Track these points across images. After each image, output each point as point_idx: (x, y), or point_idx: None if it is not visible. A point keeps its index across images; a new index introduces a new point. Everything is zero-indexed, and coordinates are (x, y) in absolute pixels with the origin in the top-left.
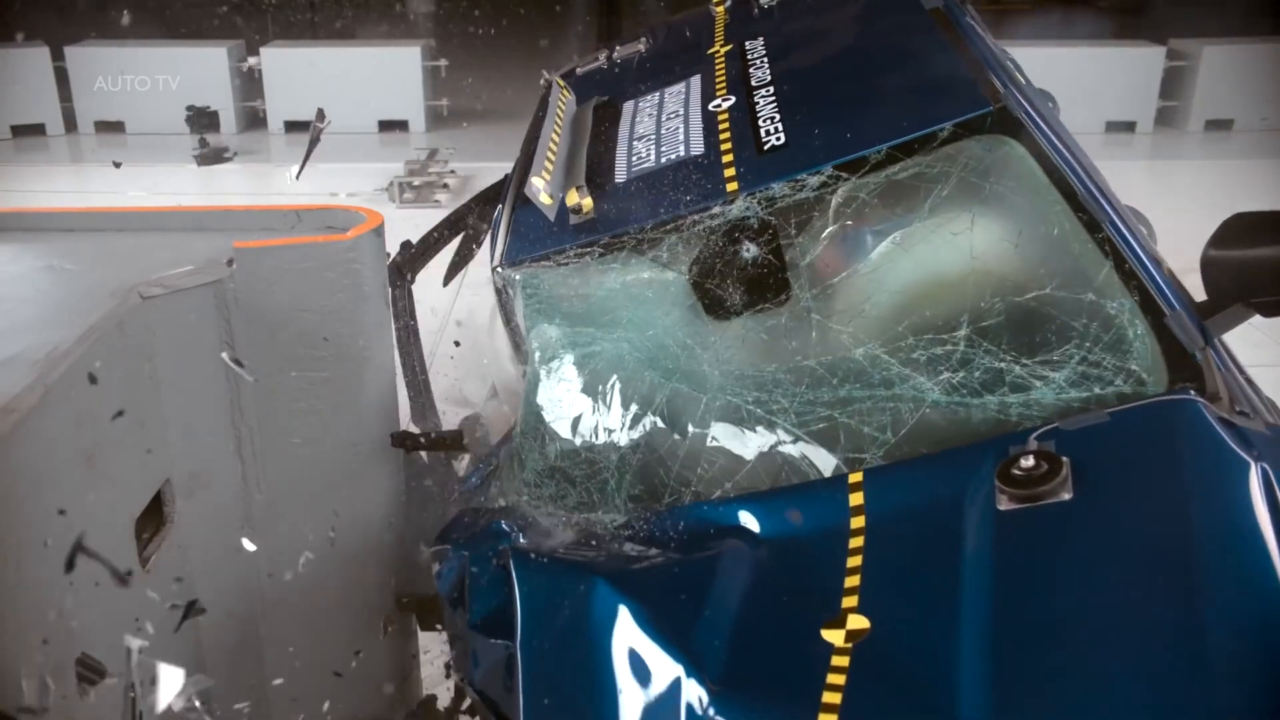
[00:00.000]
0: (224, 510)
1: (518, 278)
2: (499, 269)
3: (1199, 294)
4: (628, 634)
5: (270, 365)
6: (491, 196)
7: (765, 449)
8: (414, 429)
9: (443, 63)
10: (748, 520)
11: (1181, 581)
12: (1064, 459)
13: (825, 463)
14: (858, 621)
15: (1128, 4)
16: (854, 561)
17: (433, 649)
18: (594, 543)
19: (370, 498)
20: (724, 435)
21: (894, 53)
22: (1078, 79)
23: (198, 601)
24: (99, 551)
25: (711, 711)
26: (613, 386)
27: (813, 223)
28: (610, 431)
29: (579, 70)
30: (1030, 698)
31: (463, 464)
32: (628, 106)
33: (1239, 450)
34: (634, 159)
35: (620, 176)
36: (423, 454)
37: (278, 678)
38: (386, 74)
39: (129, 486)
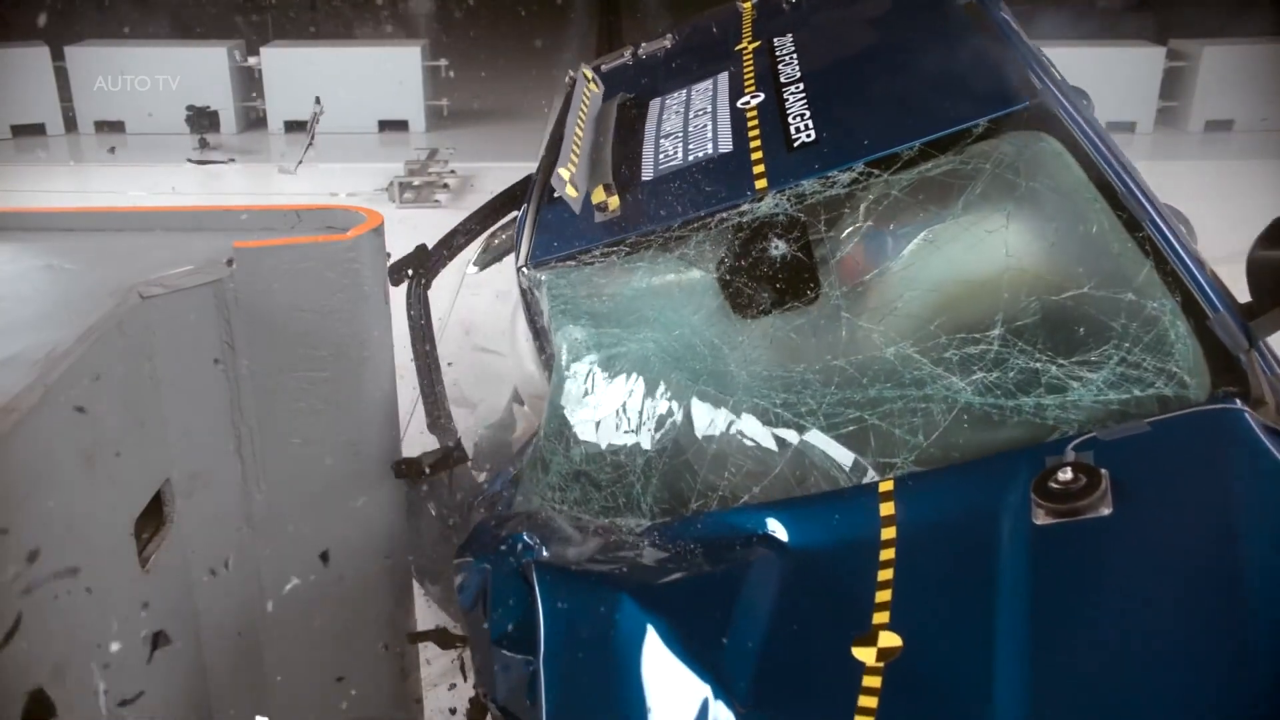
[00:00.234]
0: (224, 510)
1: (543, 278)
2: (524, 269)
3: (1242, 295)
4: (654, 652)
5: (270, 365)
6: (513, 197)
7: (793, 453)
8: (431, 436)
9: (443, 63)
10: (775, 529)
11: (1228, 602)
12: (1103, 471)
13: (854, 467)
14: (889, 639)
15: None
16: (885, 575)
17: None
18: (618, 553)
19: (370, 497)
20: (751, 438)
21: (926, 48)
22: (1077, 79)
23: (164, 633)
24: (99, 551)
25: None
26: (639, 389)
27: (843, 220)
28: (636, 435)
29: (603, 67)
30: None
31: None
32: (654, 104)
33: None
34: (661, 156)
35: (647, 174)
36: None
37: (278, 676)
38: (386, 74)
39: (129, 486)
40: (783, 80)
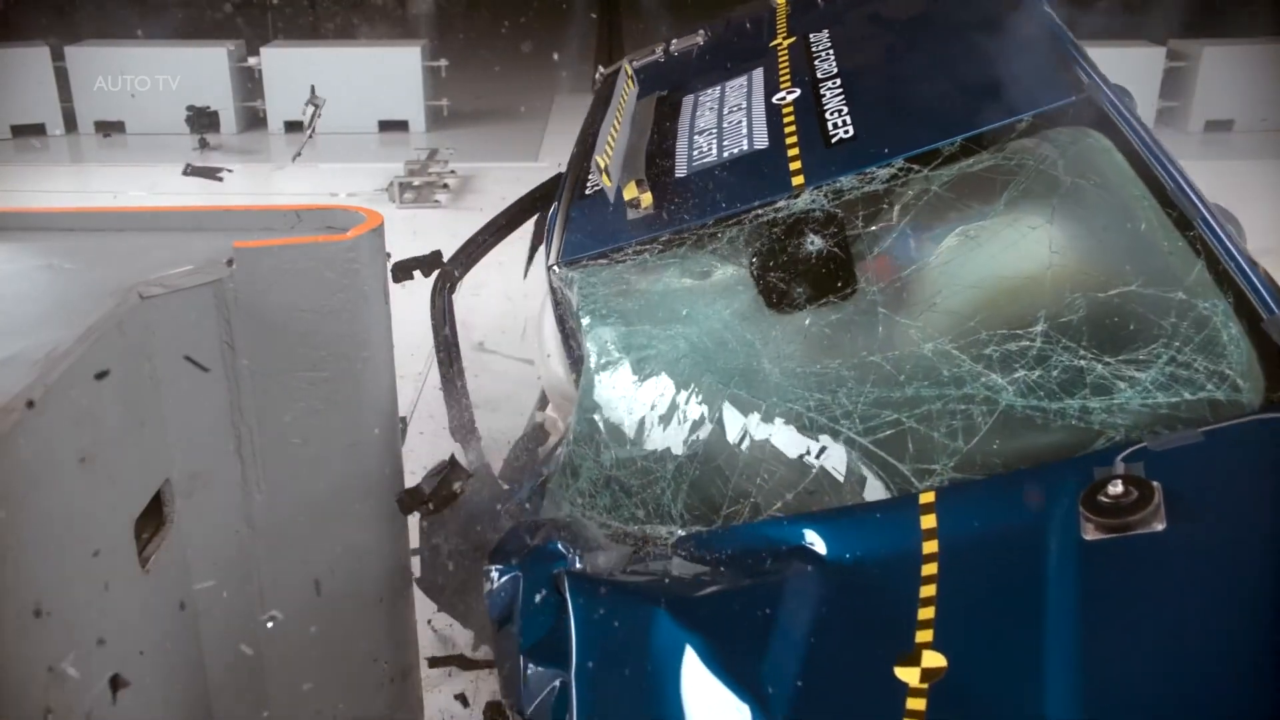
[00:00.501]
0: (224, 510)
1: (575, 276)
2: (555, 267)
3: None
4: (690, 670)
5: (270, 365)
6: (541, 197)
7: (828, 459)
8: (456, 442)
9: (443, 63)
10: (811, 541)
11: None
12: (1155, 484)
13: (892, 474)
14: (933, 659)
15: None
16: (927, 591)
17: (435, 646)
18: (650, 564)
19: (370, 498)
20: (785, 444)
21: (968, 42)
22: None
23: (120, 675)
24: (99, 552)
25: None
26: (670, 392)
27: (881, 215)
28: (667, 440)
29: (635, 64)
30: None
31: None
32: (687, 100)
33: None
34: (694, 153)
35: (680, 171)
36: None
37: (279, 674)
38: (386, 74)
39: (129, 486)
40: (819, 76)
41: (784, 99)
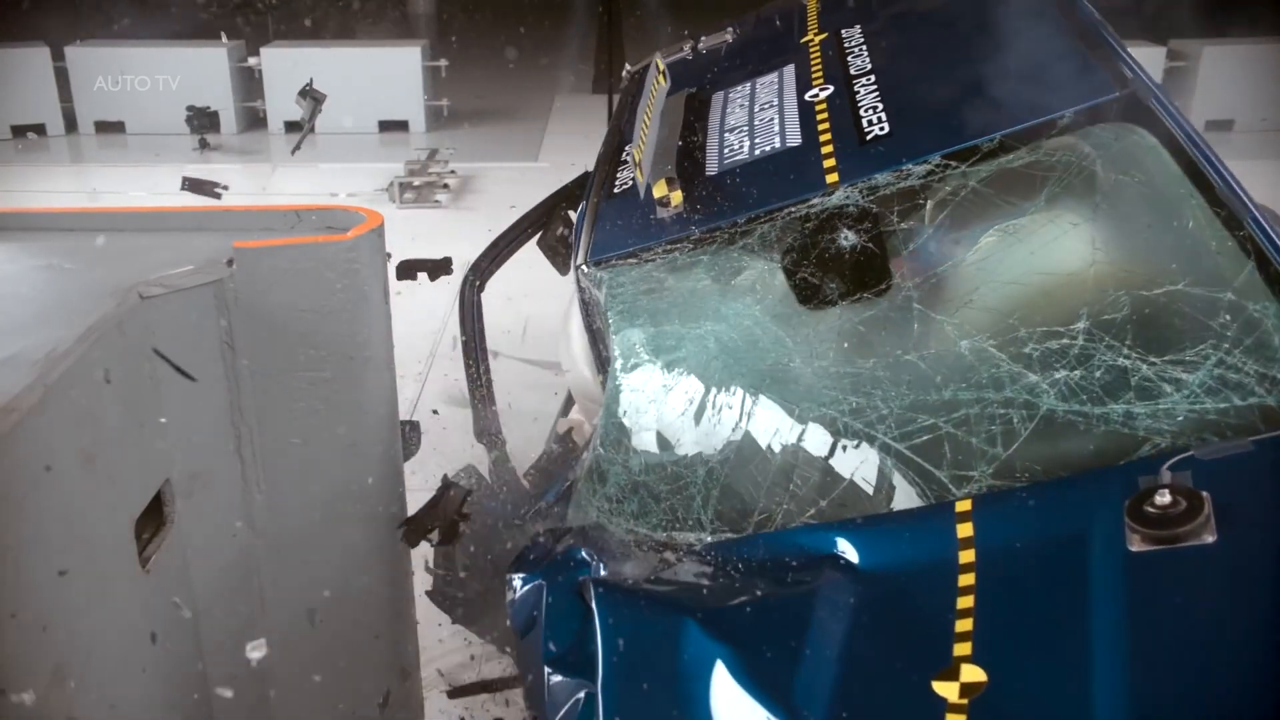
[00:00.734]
0: (224, 510)
1: (603, 276)
2: (583, 267)
3: None
4: (721, 683)
5: (270, 365)
6: (567, 196)
7: (863, 465)
8: (482, 445)
9: (443, 63)
10: (845, 550)
11: None
12: (1204, 495)
13: (929, 481)
14: (973, 673)
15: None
16: (965, 602)
17: (435, 646)
18: (679, 572)
19: (371, 497)
20: (818, 449)
21: (1006, 37)
22: None
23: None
24: (99, 552)
25: None
26: (700, 395)
27: (918, 211)
28: (697, 444)
29: (662, 61)
30: None
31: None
32: (717, 97)
33: None
34: (725, 151)
35: (711, 169)
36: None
37: (279, 674)
38: (386, 74)
39: (129, 486)
40: (853, 72)
41: (817, 96)
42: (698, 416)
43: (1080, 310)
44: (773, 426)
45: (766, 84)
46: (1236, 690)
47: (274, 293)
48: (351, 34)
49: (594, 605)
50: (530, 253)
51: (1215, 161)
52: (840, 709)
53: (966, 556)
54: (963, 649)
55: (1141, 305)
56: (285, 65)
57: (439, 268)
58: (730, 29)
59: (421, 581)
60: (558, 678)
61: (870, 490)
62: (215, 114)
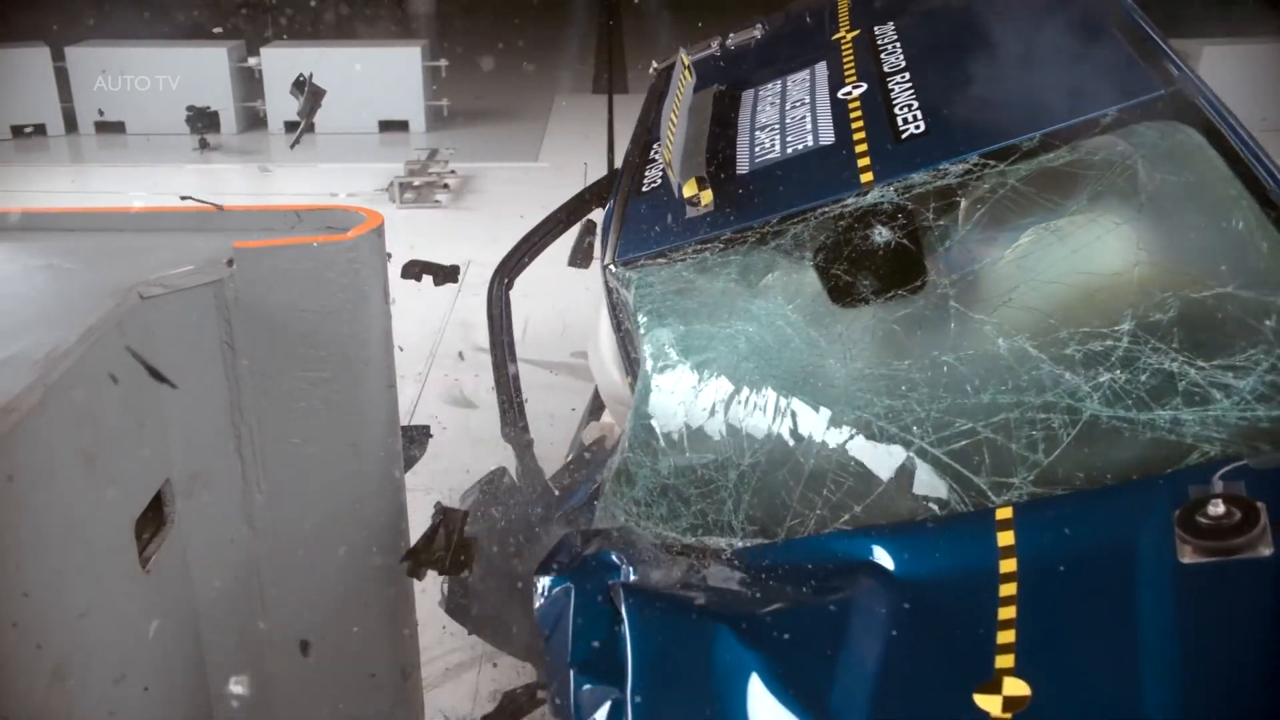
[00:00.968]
0: (224, 510)
1: (632, 276)
2: (611, 267)
3: None
4: (755, 692)
5: (270, 365)
6: (595, 195)
7: (898, 470)
8: (509, 445)
9: (443, 63)
10: (881, 557)
11: None
12: (1259, 505)
13: (967, 487)
14: (1016, 686)
15: None
16: (1006, 613)
17: (435, 646)
18: (710, 578)
19: (371, 497)
20: (853, 453)
21: (1046, 33)
22: None
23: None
24: (99, 552)
25: None
26: (731, 397)
27: (954, 210)
28: (728, 447)
29: (690, 58)
30: None
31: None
32: (746, 95)
33: None
34: (756, 149)
35: (742, 168)
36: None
37: (279, 673)
38: (386, 74)
39: (129, 486)
40: (886, 70)
41: (850, 94)
42: (728, 418)
43: (1124, 312)
44: (805, 429)
45: (798, 81)
46: None
47: (274, 293)
48: (351, 34)
49: (623, 610)
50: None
51: (1266, 161)
52: None
53: (1008, 566)
54: (1005, 661)
55: (1188, 308)
56: (285, 65)
57: (446, 275)
58: (759, 25)
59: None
60: (585, 684)
61: (905, 496)
62: (215, 114)
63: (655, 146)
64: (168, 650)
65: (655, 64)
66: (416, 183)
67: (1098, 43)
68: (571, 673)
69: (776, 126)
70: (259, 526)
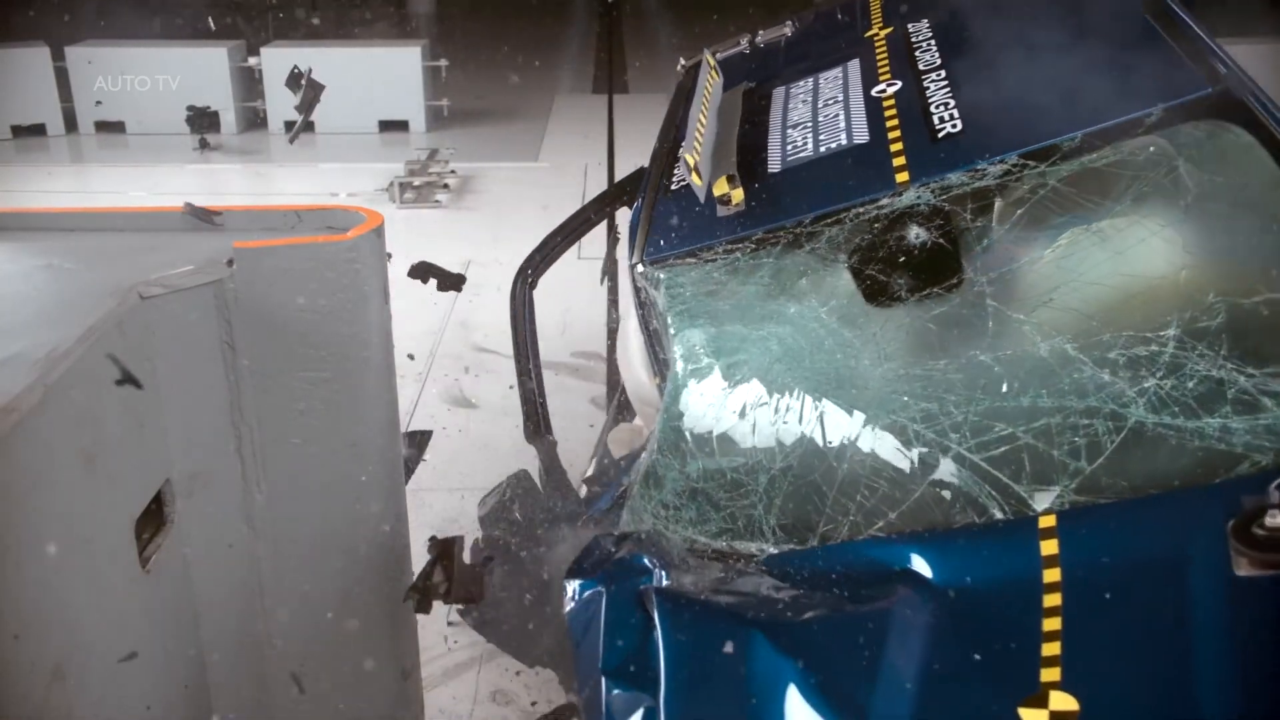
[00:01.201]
0: (224, 510)
1: (661, 276)
2: (640, 266)
3: None
4: (792, 703)
5: (270, 365)
6: (621, 192)
7: (935, 476)
8: (538, 446)
9: (443, 63)
10: (919, 564)
11: None
12: None
13: (1007, 494)
14: (1063, 701)
15: None
16: (1051, 624)
17: (435, 646)
18: (743, 584)
19: (371, 497)
20: (888, 457)
21: (1086, 29)
22: None
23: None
24: (99, 552)
25: None
26: (762, 399)
27: (992, 210)
28: (759, 450)
29: (719, 55)
30: None
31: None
32: (777, 93)
33: None
34: (789, 148)
35: (774, 166)
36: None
37: (279, 673)
38: (386, 74)
39: (129, 486)
40: (921, 67)
41: (884, 91)
42: (760, 421)
43: (1169, 316)
44: (838, 433)
45: (830, 79)
46: None
47: (274, 293)
48: (351, 34)
49: (656, 616)
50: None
51: None
52: None
53: (1051, 575)
54: (1051, 674)
55: (1237, 313)
56: (285, 65)
57: (451, 282)
58: (789, 23)
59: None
60: (617, 690)
61: (943, 502)
62: (215, 114)
63: (682, 150)
64: (168, 650)
65: (683, 61)
66: (416, 183)
67: (1140, 39)
68: (603, 679)
69: (809, 125)
70: (259, 526)
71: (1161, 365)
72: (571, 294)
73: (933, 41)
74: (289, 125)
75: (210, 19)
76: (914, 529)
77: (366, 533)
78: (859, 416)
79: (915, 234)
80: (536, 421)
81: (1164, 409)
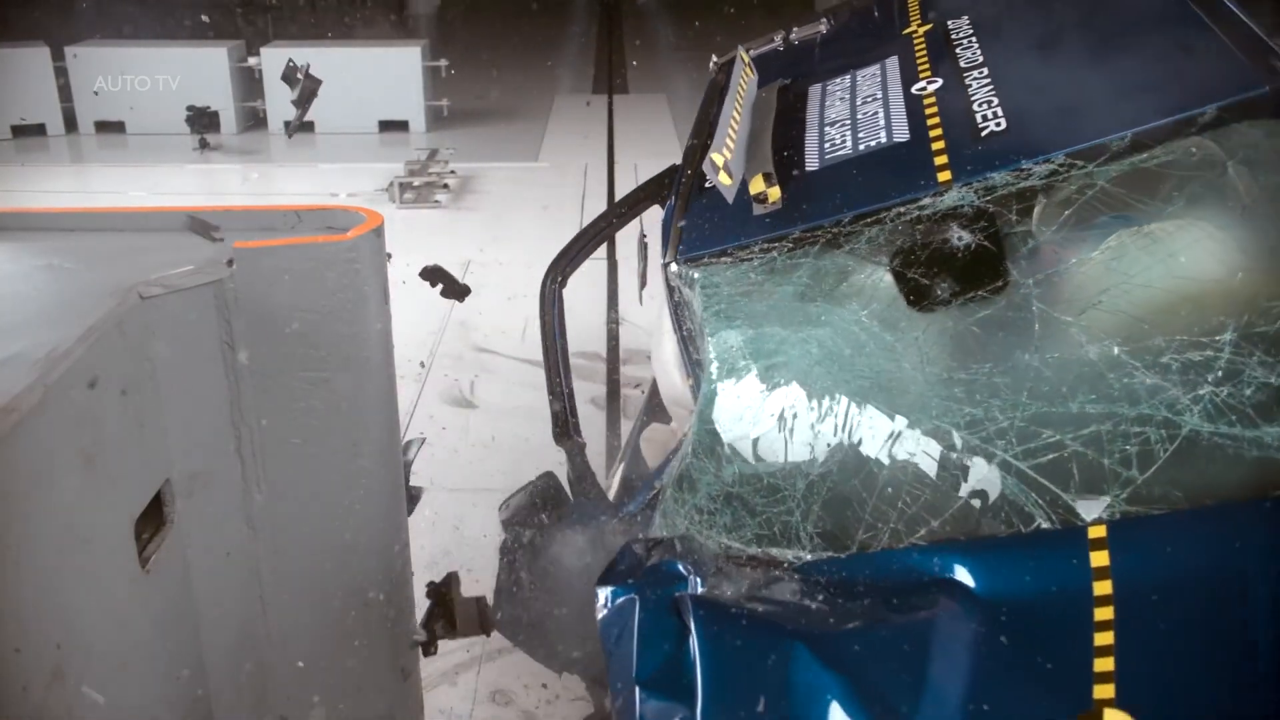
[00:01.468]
0: (224, 510)
1: (696, 276)
2: (674, 265)
3: None
4: (834, 717)
5: (270, 365)
6: (653, 190)
7: (979, 483)
8: (564, 447)
9: (443, 63)
10: (962, 574)
11: None
12: None
13: (1054, 504)
14: (1119, 718)
15: None
16: (1103, 639)
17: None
18: (780, 591)
19: (371, 497)
20: (930, 463)
21: (1136, 25)
22: None
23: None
24: (99, 552)
25: None
26: (801, 402)
27: (1038, 212)
28: (796, 454)
29: (752, 52)
30: None
31: (615, 479)
32: (814, 90)
33: None
34: (827, 146)
35: (812, 164)
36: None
37: (280, 674)
38: (386, 74)
39: (129, 486)
40: (963, 65)
41: (924, 89)
42: (798, 425)
43: (1225, 321)
44: (879, 438)
45: (868, 76)
46: None
47: (274, 293)
48: (351, 34)
49: (692, 625)
50: (530, 253)
51: None
52: None
53: (1102, 588)
54: (1104, 691)
55: None
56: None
57: (456, 292)
58: (824, 20)
59: (423, 581)
60: (651, 701)
61: (987, 511)
62: (215, 114)
63: (710, 153)
64: (168, 650)
65: (715, 58)
66: (416, 183)
67: (1193, 35)
68: (637, 689)
69: (847, 122)
70: (259, 526)
71: (1218, 371)
72: (572, 294)
73: (974, 38)
74: (289, 125)
75: (209, 19)
76: (957, 537)
77: (366, 532)
78: (901, 421)
79: (958, 235)
80: (565, 423)
81: (1220, 417)
